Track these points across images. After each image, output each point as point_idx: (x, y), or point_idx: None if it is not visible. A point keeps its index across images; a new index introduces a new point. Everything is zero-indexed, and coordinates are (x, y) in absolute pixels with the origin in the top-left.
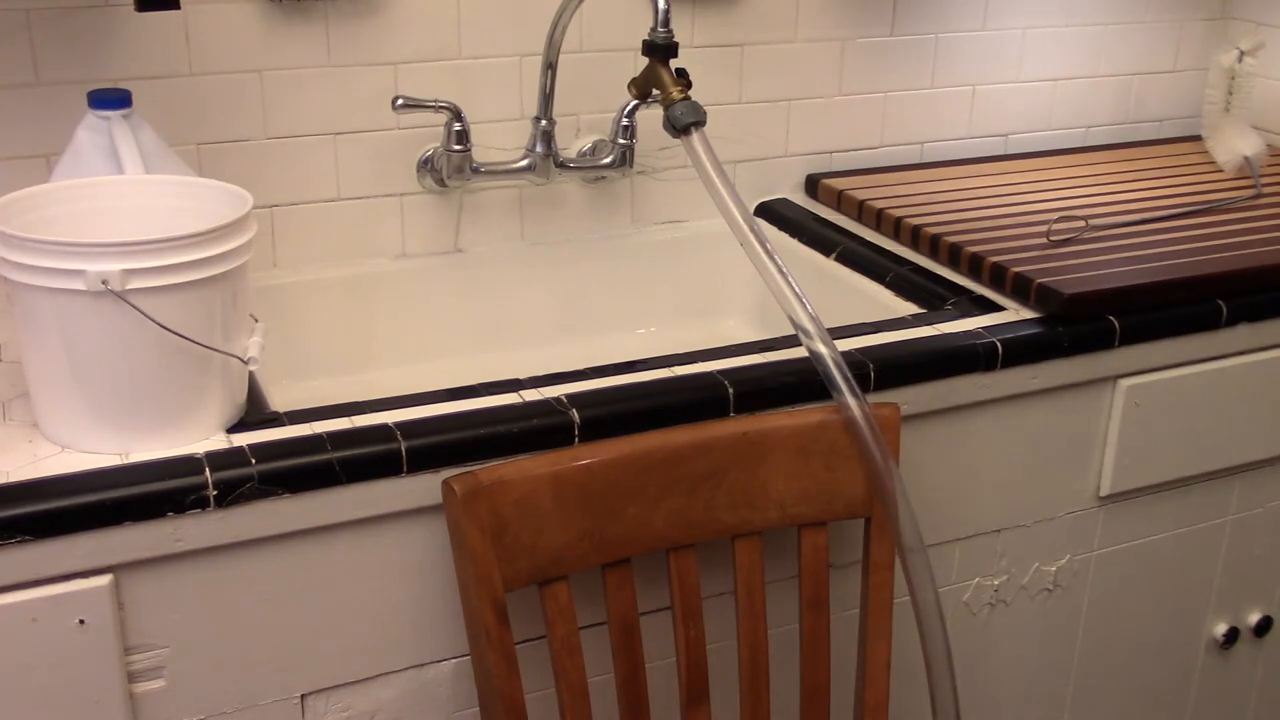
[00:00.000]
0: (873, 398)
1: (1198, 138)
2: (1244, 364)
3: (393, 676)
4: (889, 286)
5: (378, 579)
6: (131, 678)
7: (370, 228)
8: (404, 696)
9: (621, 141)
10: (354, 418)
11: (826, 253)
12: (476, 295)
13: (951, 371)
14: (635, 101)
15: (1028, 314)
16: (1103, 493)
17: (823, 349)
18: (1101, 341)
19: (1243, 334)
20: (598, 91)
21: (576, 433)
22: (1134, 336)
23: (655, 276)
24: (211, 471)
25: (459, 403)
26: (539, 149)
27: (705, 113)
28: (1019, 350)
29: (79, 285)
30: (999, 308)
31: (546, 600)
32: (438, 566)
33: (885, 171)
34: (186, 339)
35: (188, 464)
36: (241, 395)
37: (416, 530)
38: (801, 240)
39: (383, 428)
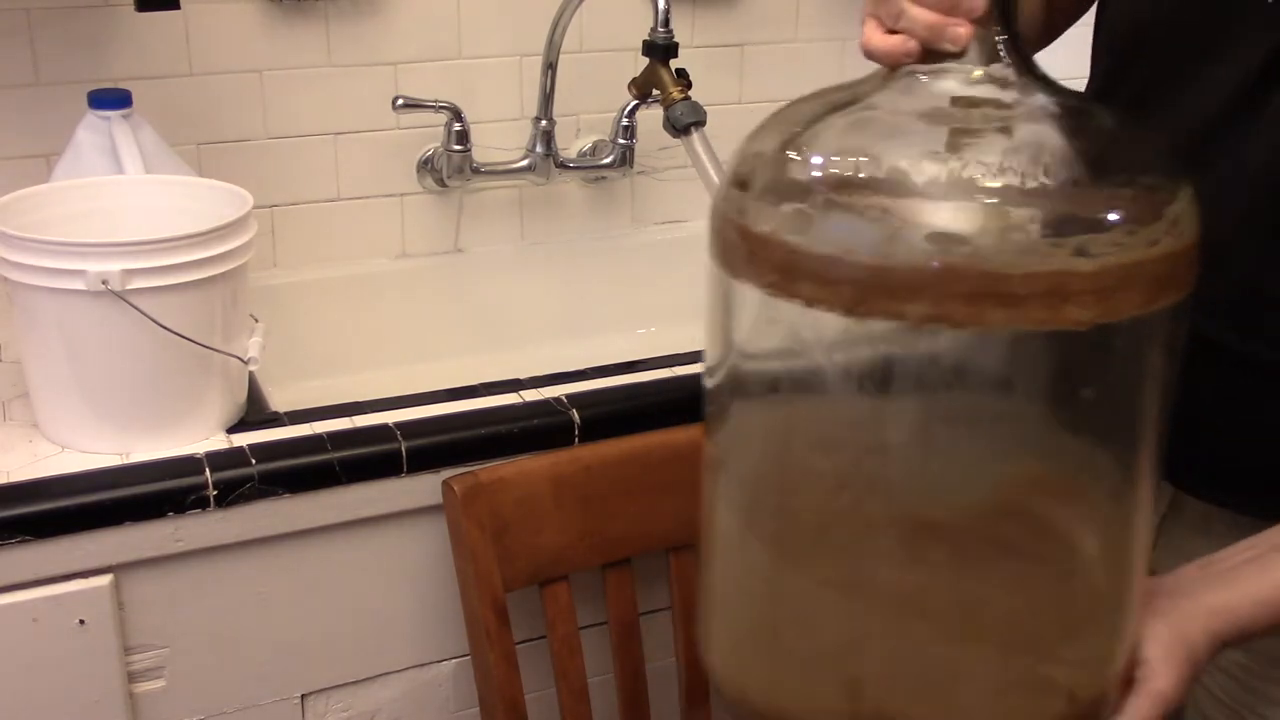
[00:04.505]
0: None
1: None
2: None
3: (393, 676)
4: None
5: (378, 579)
6: (131, 678)
7: (370, 228)
8: (404, 696)
9: (621, 141)
10: (354, 418)
11: None
12: (476, 295)
13: None
14: (635, 101)
15: None
16: None
17: None
18: None
19: None
20: (598, 91)
21: (576, 433)
22: None
23: (655, 276)
24: (211, 471)
25: (459, 403)
26: (539, 149)
27: (705, 113)
28: None
29: (79, 285)
30: None
31: (546, 600)
32: (438, 566)
33: None
34: (186, 339)
35: (188, 464)
36: (241, 395)
37: (416, 530)
38: None
39: (383, 428)
